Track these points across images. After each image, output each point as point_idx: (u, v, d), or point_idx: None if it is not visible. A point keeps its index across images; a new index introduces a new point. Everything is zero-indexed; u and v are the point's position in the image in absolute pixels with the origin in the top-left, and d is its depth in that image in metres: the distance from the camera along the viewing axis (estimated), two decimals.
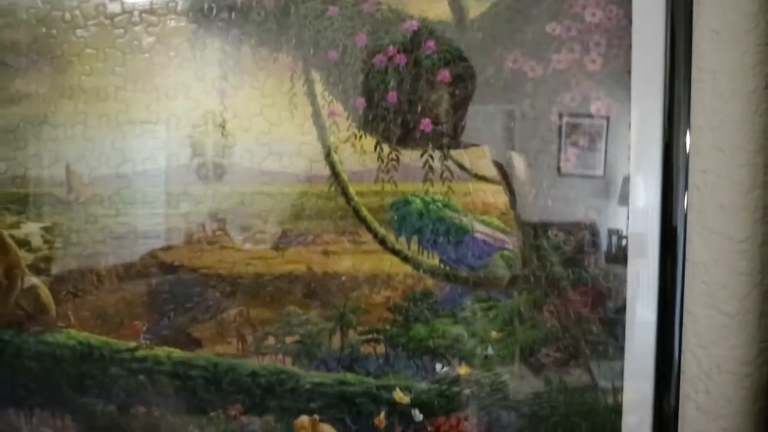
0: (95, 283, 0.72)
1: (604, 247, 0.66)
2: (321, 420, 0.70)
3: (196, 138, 0.69)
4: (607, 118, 0.66)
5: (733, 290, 0.64)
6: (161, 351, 0.72)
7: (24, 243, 0.73)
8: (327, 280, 0.68)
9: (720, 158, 0.64)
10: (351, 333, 0.69)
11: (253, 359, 0.70)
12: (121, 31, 0.70)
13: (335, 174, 0.68)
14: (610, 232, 0.66)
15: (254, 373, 0.70)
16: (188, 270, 0.70)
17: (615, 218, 0.66)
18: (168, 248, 0.70)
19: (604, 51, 0.65)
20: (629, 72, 0.64)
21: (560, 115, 0.66)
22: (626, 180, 0.65)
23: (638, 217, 0.64)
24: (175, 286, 0.71)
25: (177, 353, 0.72)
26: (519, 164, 0.67)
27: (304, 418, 0.70)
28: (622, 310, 0.65)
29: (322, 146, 0.68)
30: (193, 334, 0.71)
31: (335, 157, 0.68)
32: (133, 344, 0.72)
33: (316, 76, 0.68)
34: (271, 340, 0.70)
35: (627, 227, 0.65)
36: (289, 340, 0.70)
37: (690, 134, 0.64)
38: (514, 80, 0.66)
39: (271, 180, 0.68)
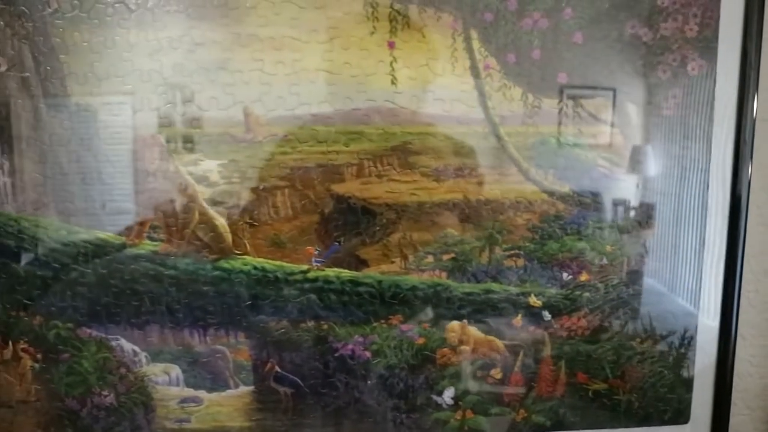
0: (271, 214, 0.81)
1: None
2: (469, 323, 0.85)
3: (367, 84, 0.79)
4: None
5: None
6: (331, 272, 0.83)
7: (202, 179, 0.80)
8: (479, 206, 0.82)
9: None
10: (497, 250, 0.84)
11: (413, 275, 0.83)
12: None
13: (488, 117, 0.81)
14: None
15: (414, 287, 0.83)
16: (358, 200, 0.81)
17: None
18: (340, 181, 0.81)
19: (699, 21, 0.82)
20: (717, 38, 0.82)
21: (663, 72, 0.83)
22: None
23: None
24: (346, 214, 0.81)
25: (345, 273, 0.83)
26: (632, 112, 0.84)
27: (454, 323, 0.84)
28: None
29: (478, 94, 0.80)
30: (360, 256, 0.83)
31: (488, 103, 0.81)
32: (305, 267, 0.82)
33: (474, 33, 0.80)
34: (429, 258, 0.83)
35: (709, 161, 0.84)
36: (445, 257, 0.83)
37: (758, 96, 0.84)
38: (631, 43, 0.82)
39: (434, 122, 0.80)
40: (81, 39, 0.79)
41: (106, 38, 0.79)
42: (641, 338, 0.88)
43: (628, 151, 0.84)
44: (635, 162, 0.84)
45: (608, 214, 0.85)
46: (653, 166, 0.85)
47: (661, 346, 0.88)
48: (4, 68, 0.81)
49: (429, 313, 0.84)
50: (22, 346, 0.86)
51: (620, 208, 0.85)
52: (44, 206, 0.83)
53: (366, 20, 0.79)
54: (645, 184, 0.85)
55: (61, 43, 0.80)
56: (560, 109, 0.82)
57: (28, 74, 0.81)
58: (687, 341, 0.89)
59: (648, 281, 0.87)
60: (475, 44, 0.80)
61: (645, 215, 0.85)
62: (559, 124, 0.82)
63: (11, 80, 0.81)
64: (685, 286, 0.88)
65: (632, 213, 0.85)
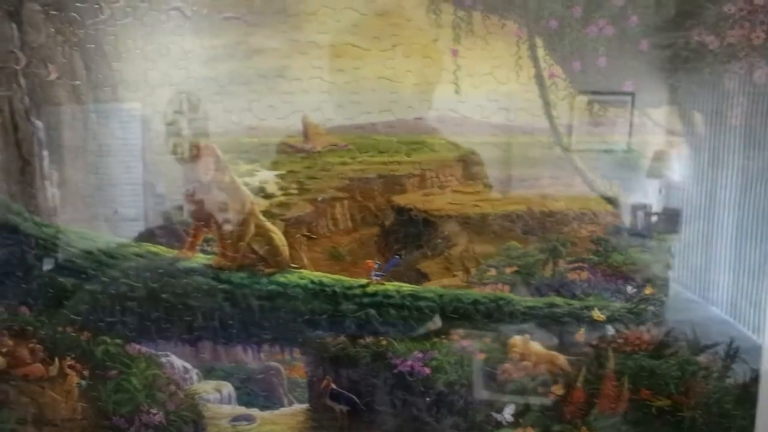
0: (330, 226, 0.79)
1: None
2: (531, 339, 0.82)
3: (430, 93, 0.77)
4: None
5: None
6: (391, 286, 0.80)
7: (258, 190, 0.78)
8: (543, 218, 0.80)
9: None
10: (560, 262, 0.81)
11: (475, 289, 0.81)
12: None
13: (553, 127, 0.79)
14: None
15: (476, 301, 0.81)
16: (420, 211, 0.79)
17: None
18: (402, 192, 0.78)
19: (766, 28, 0.80)
20: None
21: (729, 79, 0.81)
22: None
23: None
24: (407, 226, 0.79)
25: (406, 287, 0.80)
26: (698, 121, 0.82)
27: (516, 338, 0.82)
28: None
29: (543, 103, 0.78)
30: (421, 270, 0.80)
31: (553, 112, 0.79)
32: (364, 281, 0.80)
33: (538, 41, 0.78)
34: (492, 272, 0.81)
35: None
36: (507, 270, 0.81)
37: None
38: (698, 51, 0.80)
39: (498, 132, 0.78)
40: (134, 46, 0.77)
41: (161, 45, 0.77)
42: (705, 353, 0.85)
43: (693, 161, 0.82)
44: (700, 172, 0.82)
45: (672, 226, 0.83)
46: (718, 176, 0.83)
47: (726, 362, 0.86)
48: (54, 76, 0.79)
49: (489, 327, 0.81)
50: (68, 363, 0.83)
51: (682, 219, 0.83)
52: (93, 218, 0.80)
53: (429, 27, 0.77)
54: (710, 194, 0.83)
55: (113, 51, 0.77)
56: (626, 118, 0.80)
57: (78, 82, 0.79)
58: (752, 357, 0.86)
59: (711, 295, 0.85)
60: (540, 52, 0.78)
61: (708, 227, 0.83)
62: (626, 133, 0.80)
63: (61, 88, 0.79)
64: (750, 300, 0.85)
65: (695, 225, 0.83)
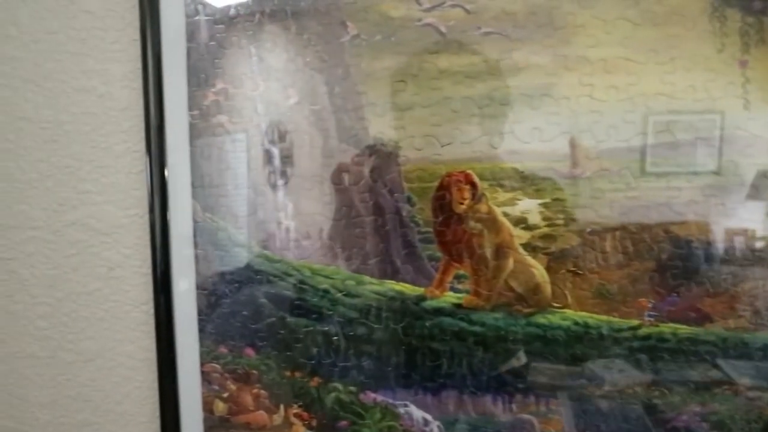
0: (598, 260, 0.70)
1: None
2: None
3: (715, 110, 0.69)
4: None
5: None
6: (666, 328, 0.70)
7: (519, 221, 0.70)
8: None
9: None
10: None
11: (765, 332, 0.70)
12: (631, 1, 0.69)
13: None
14: None
15: (766, 345, 0.70)
16: (703, 243, 0.69)
17: None
18: (682, 222, 0.69)
19: None
20: None
21: None
22: None
23: None
24: (686, 260, 0.70)
25: (683, 329, 0.70)
26: None
27: None
28: None
29: None
30: (702, 309, 0.70)
31: None
32: (635, 322, 0.70)
33: None
34: None
35: None
36: None
37: None
38: None
39: None
40: (382, 66, 0.71)
41: (411, 65, 0.71)
42: None
43: None
44: None
45: None
46: None
47: None
48: (294, 100, 0.74)
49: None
50: (294, 411, 0.76)
51: None
52: (331, 253, 0.74)
53: (712, 36, 0.68)
54: None
55: (358, 72, 0.72)
56: None
57: (319, 106, 0.73)
58: None
59: None
60: None
61: None
62: None
63: (300, 113, 0.74)
64: None
65: None
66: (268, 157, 0.75)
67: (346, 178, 0.73)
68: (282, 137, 0.74)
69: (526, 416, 0.73)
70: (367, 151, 0.72)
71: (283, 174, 0.74)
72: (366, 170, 0.72)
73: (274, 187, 0.74)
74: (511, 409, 0.73)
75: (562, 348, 0.71)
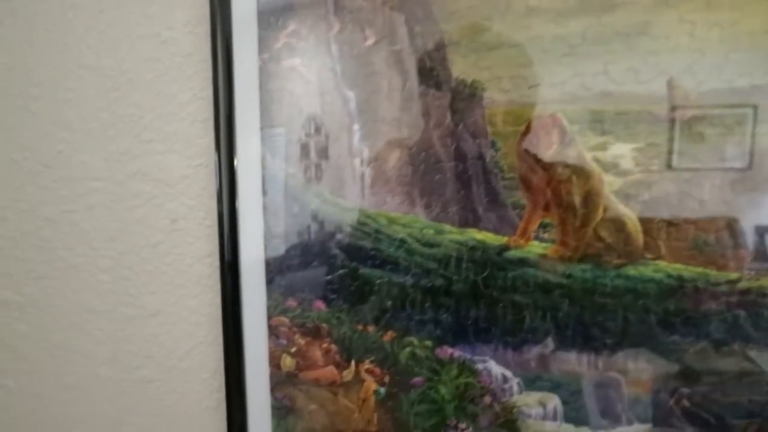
0: (697, 209, 0.66)
1: None
2: None
3: None
4: None
5: None
6: None
7: (611, 166, 0.66)
8: None
9: None
10: None
11: None
12: None
13: None
14: None
15: None
16: None
17: None
18: None
19: None
20: None
21: None
22: None
23: None
24: None
25: None
26: None
27: None
28: None
29: None
30: None
31: None
32: (734, 275, 0.66)
33: None
34: None
35: None
36: None
37: None
38: None
39: None
40: (467, 4, 0.68)
41: (499, 2, 0.67)
42: None
43: None
44: None
45: None
46: None
47: None
48: (371, 41, 0.70)
49: None
50: (366, 367, 0.74)
51: None
52: (409, 201, 0.71)
53: None
54: None
55: (441, 10, 0.68)
56: None
57: (398, 47, 0.70)
58: None
59: None
60: None
61: None
62: None
63: (378, 54, 0.70)
64: None
65: None
66: (344, 101, 0.72)
67: (426, 121, 0.69)
68: (357, 80, 0.71)
69: (613, 374, 0.69)
70: (449, 93, 0.68)
71: (360, 117, 0.71)
72: (448, 113, 0.69)
73: (349, 131, 0.71)
74: (596, 366, 0.69)
75: (654, 302, 0.67)
